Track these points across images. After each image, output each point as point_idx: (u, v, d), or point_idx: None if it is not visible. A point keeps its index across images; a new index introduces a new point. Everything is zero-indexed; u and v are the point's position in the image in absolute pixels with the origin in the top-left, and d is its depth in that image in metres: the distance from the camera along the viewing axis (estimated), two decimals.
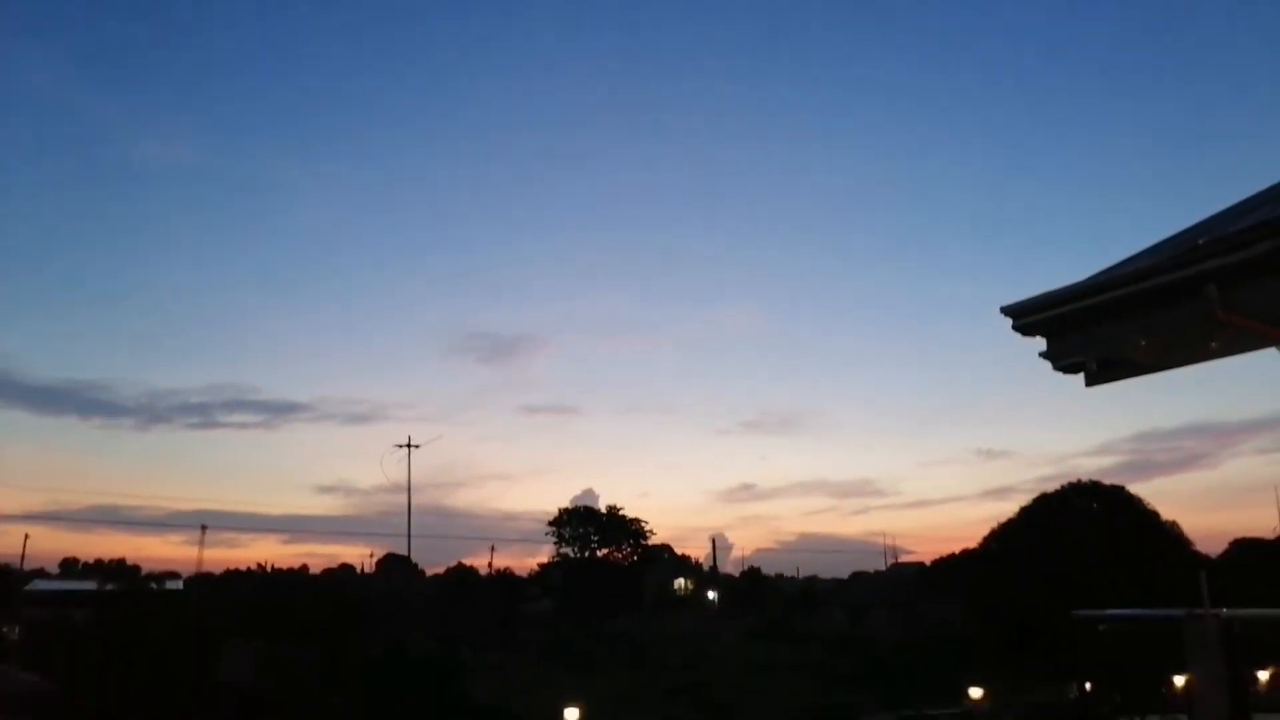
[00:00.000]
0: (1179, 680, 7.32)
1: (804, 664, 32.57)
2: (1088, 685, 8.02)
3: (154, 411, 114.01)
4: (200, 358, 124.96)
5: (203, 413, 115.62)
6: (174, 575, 65.24)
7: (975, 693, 17.76)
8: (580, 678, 24.78)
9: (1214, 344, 6.82)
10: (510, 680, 25.00)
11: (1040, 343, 7.32)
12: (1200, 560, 26.83)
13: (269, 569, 38.42)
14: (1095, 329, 6.60)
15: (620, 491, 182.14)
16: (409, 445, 48.45)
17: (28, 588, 47.43)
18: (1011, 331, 7.74)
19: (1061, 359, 7.15)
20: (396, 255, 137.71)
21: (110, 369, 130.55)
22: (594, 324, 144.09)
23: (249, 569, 38.98)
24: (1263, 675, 8.48)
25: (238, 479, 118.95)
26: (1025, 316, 6.91)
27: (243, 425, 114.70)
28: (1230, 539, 34.79)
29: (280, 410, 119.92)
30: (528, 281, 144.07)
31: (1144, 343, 6.63)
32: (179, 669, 13.80)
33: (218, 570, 60.02)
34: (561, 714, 15.18)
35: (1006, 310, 7.02)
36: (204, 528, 79.11)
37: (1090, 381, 7.51)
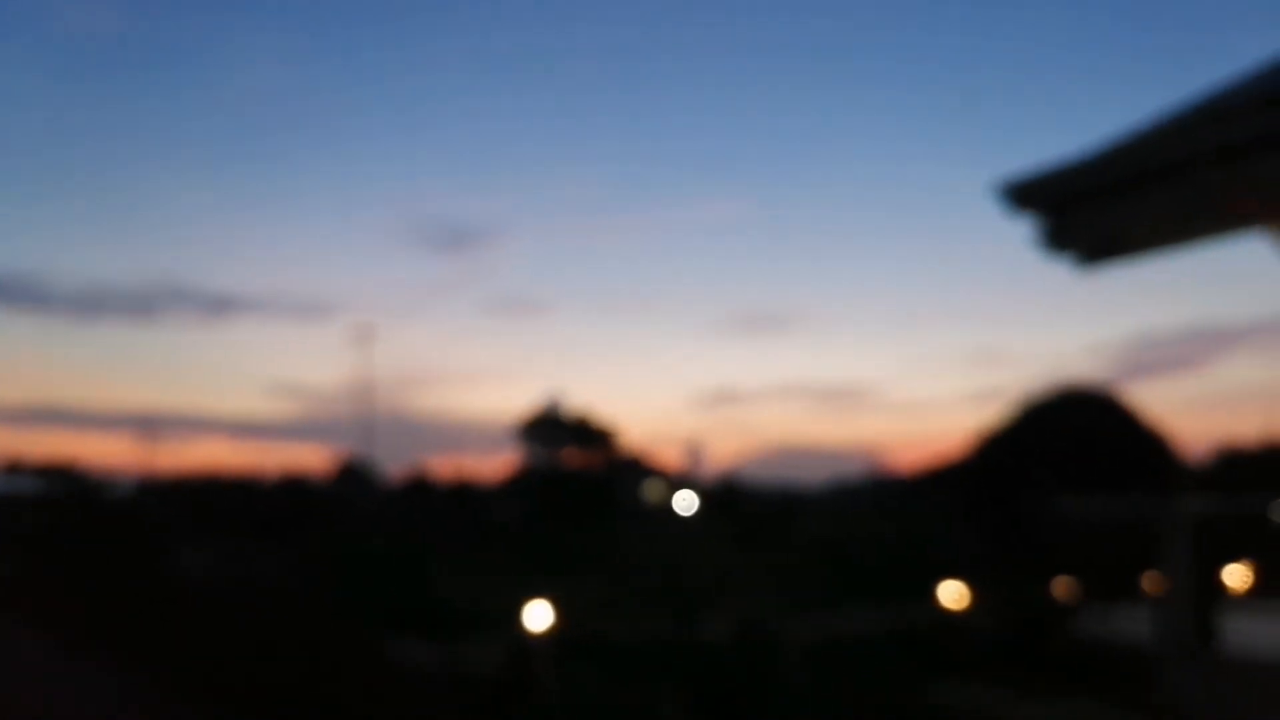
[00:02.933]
0: (1153, 575, 7.76)
1: (781, 567, 33.71)
2: (1063, 585, 8.49)
3: (88, 304, 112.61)
4: (135, 247, 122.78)
5: (141, 305, 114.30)
6: (123, 476, 65.72)
7: (953, 594, 18.55)
8: (550, 580, 25.54)
9: (1214, 225, 6.98)
10: (478, 581, 25.76)
11: (1033, 226, 7.46)
12: (1185, 464, 27.86)
13: (221, 469, 38.76)
14: (1091, 208, 6.70)
15: (592, 394, 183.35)
16: (359, 335, 48.48)
17: None
18: (1005, 220, 7.87)
19: (1055, 242, 7.29)
20: (344, 133, 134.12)
21: (39, 258, 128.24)
22: (562, 211, 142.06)
23: (200, 470, 39.35)
24: (1232, 570, 8.96)
25: (184, 376, 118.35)
26: (1018, 194, 7.00)
27: (185, 319, 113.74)
28: (1218, 444, 35.94)
29: (225, 304, 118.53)
30: (488, 163, 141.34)
31: (1142, 223, 6.76)
32: (135, 566, 14.12)
33: (169, 471, 60.66)
34: (528, 615, 15.66)
35: (998, 187, 7.11)
36: (152, 426, 79.44)
37: (1082, 268, 7.68)
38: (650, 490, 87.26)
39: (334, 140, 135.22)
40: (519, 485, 70.91)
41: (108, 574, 11.54)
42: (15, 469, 72.90)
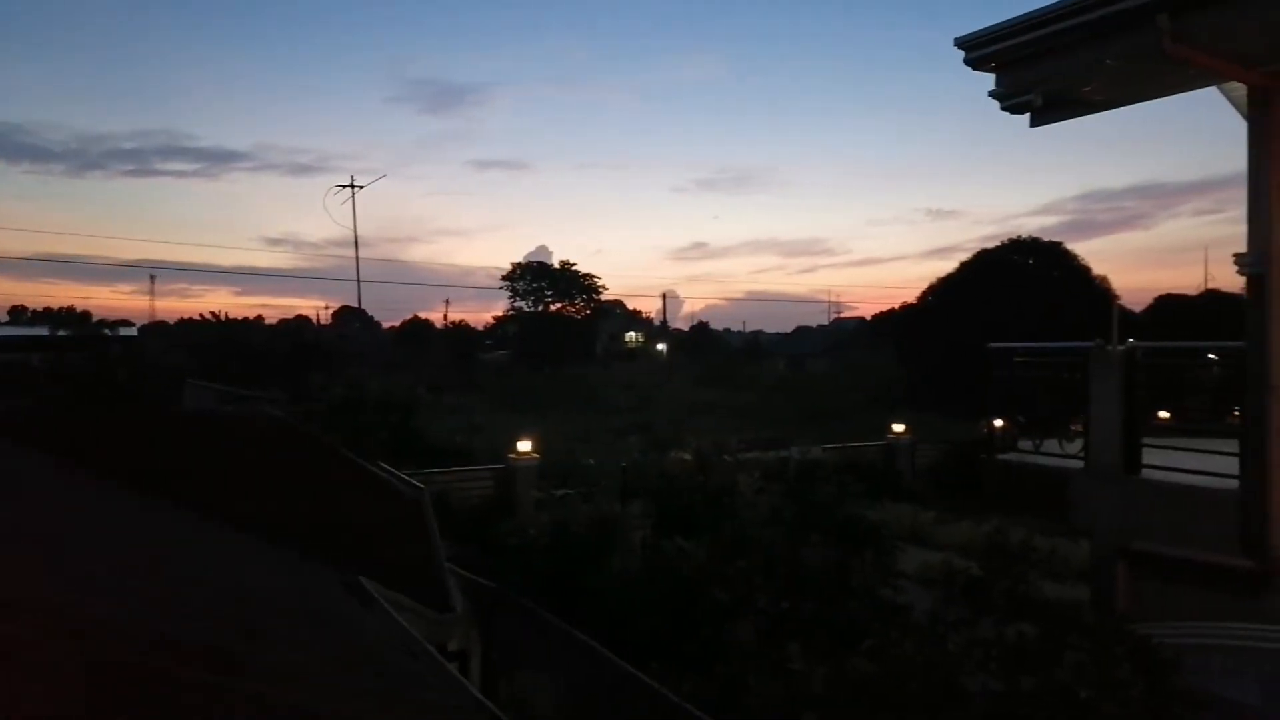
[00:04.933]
0: (1085, 412, 8.00)
1: (745, 406, 34.48)
2: (998, 421, 8.76)
3: (85, 158, 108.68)
4: (129, 101, 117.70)
5: (137, 159, 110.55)
6: (127, 323, 65.30)
7: (898, 428, 19.10)
8: (535, 419, 25.99)
9: (1161, 80, 6.84)
10: (466, 419, 26.23)
11: (991, 81, 7.26)
12: (1126, 311, 28.29)
13: (224, 318, 38.51)
14: (1045, 62, 6.55)
15: (574, 248, 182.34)
16: (352, 186, 47.30)
17: None
18: (963, 81, 7.65)
19: (1011, 95, 7.12)
20: None
21: (34, 111, 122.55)
22: (546, 71, 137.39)
23: (203, 317, 39.05)
24: (1163, 414, 9.22)
25: (181, 229, 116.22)
26: (977, 48, 6.81)
27: (180, 173, 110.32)
28: (1159, 294, 36.40)
29: (219, 159, 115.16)
30: (475, 24, 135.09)
31: (1093, 77, 6.62)
32: (144, 403, 14.20)
33: (171, 319, 60.29)
34: (514, 447, 16.02)
35: (959, 42, 6.89)
36: (153, 276, 78.28)
37: (1036, 122, 7.54)
38: (626, 335, 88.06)
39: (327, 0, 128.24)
40: (505, 331, 71.41)
41: (117, 410, 11.62)
42: (22, 315, 72.19)
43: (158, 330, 52.41)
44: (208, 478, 6.48)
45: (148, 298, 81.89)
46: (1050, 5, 6.19)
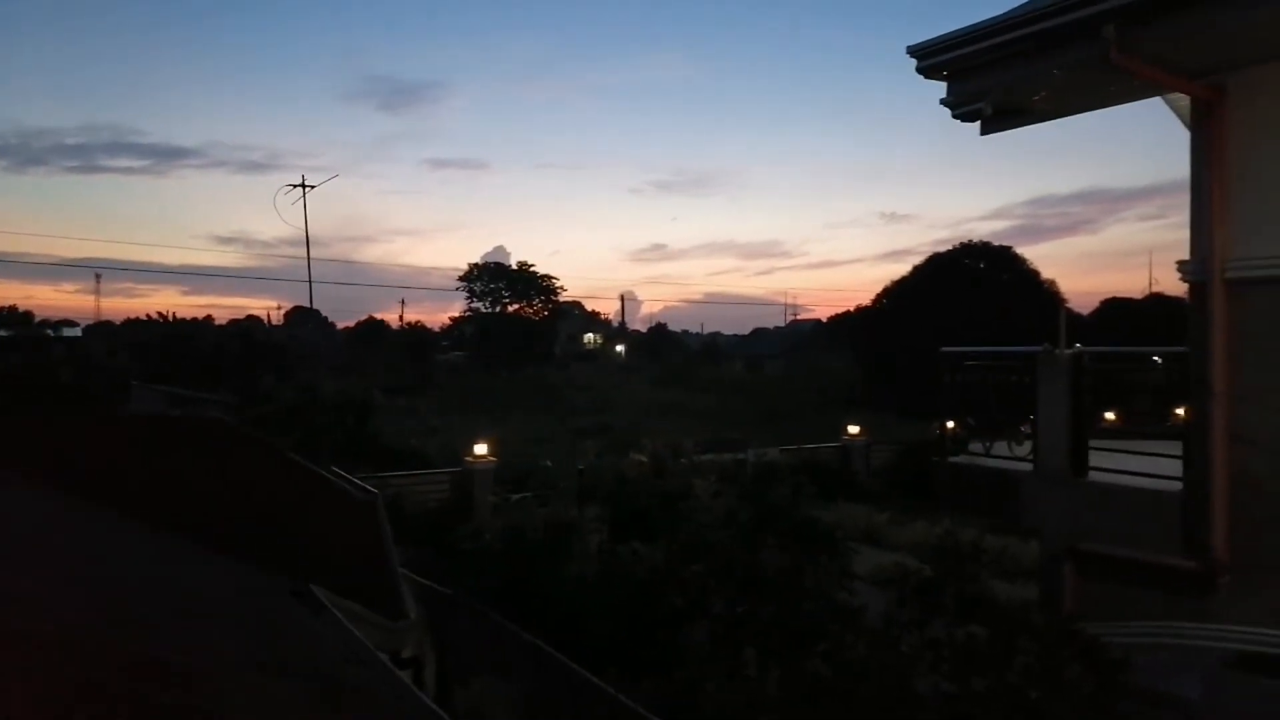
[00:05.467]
0: (1034, 415, 8.14)
1: (702, 407, 34.59)
2: (950, 424, 8.88)
3: (28, 153, 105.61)
4: (74, 96, 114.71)
5: (82, 155, 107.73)
6: (71, 323, 63.61)
7: (852, 430, 19.30)
8: (492, 421, 25.80)
9: (1108, 90, 6.99)
10: (422, 421, 25.95)
11: (943, 89, 7.36)
12: (1073, 314, 28.90)
13: (172, 318, 37.66)
14: (995, 71, 6.65)
15: (532, 249, 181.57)
16: (304, 185, 46.46)
17: None
18: (917, 87, 7.74)
19: (961, 104, 7.22)
20: None
21: None
22: (504, 70, 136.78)
23: (150, 317, 38.15)
24: (1109, 415, 9.41)
25: (128, 227, 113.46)
26: (929, 57, 6.89)
27: (127, 170, 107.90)
28: (1102, 299, 37.25)
29: (167, 155, 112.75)
30: (432, 21, 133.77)
31: (1042, 86, 6.74)
32: (88, 406, 13.79)
33: (117, 320, 58.82)
34: (471, 450, 15.88)
35: (911, 50, 6.97)
36: (98, 275, 76.31)
37: (986, 129, 7.65)
38: (585, 337, 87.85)
39: None
40: (462, 332, 70.78)
41: (59, 413, 11.27)
42: None
43: (103, 331, 51.10)
44: (152, 483, 6.32)
45: (93, 297, 79.84)
46: (1000, 16, 6.29)
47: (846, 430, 19.25)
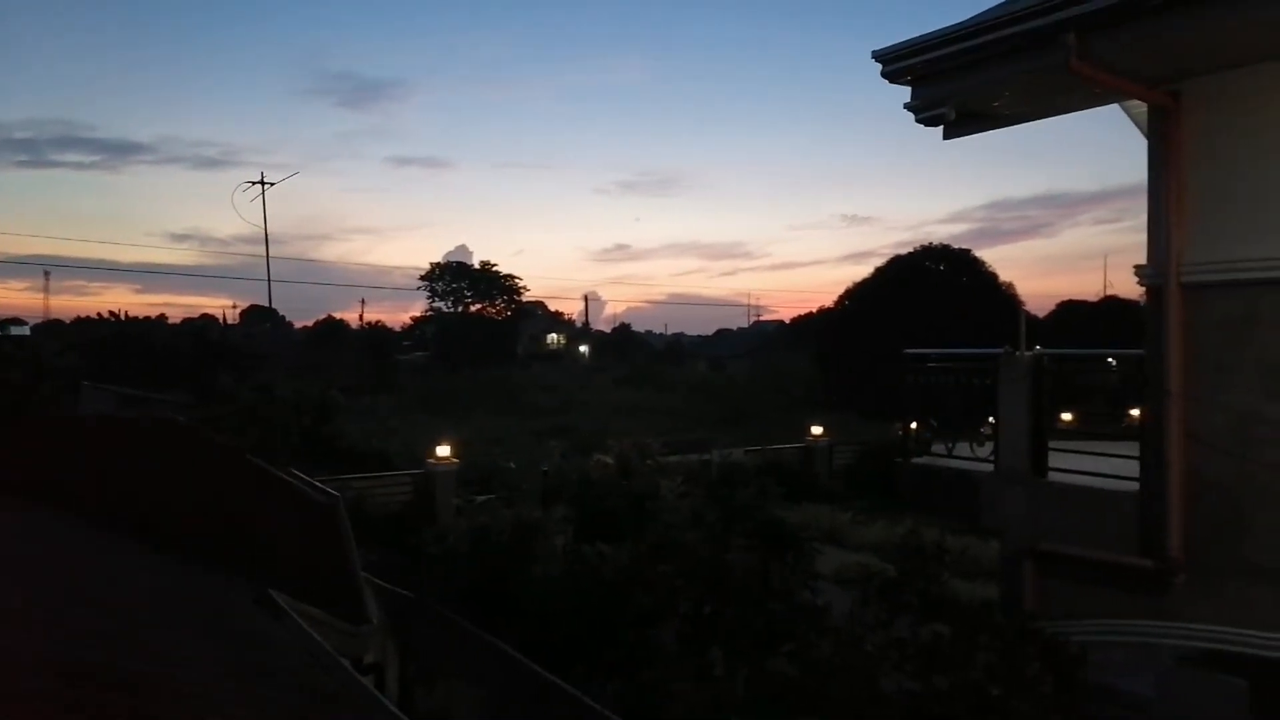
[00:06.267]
0: (994, 416, 8.27)
1: (667, 408, 34.65)
2: (912, 424, 8.99)
3: None
4: (21, 89, 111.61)
5: (31, 150, 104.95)
6: (19, 321, 61.94)
7: (816, 430, 19.46)
8: (453, 421, 25.61)
9: (1067, 97, 7.12)
10: (383, 422, 25.68)
11: (907, 93, 7.44)
12: (1031, 316, 29.34)
13: (124, 316, 36.84)
14: (958, 77, 6.74)
15: (494, 248, 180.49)
16: (262, 183, 45.74)
17: None
18: (879, 91, 7.82)
19: (925, 109, 7.31)
20: None
21: None
22: (467, 69, 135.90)
23: (101, 316, 37.27)
24: (1066, 416, 9.59)
25: (79, 224, 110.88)
26: (894, 62, 6.97)
27: (78, 165, 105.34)
28: (1059, 301, 37.97)
29: (120, 150, 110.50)
30: (394, 18, 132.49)
31: (1004, 92, 6.84)
32: (38, 408, 13.47)
33: (67, 318, 57.44)
34: (433, 452, 15.75)
35: (877, 55, 7.04)
36: (48, 273, 74.45)
37: (949, 134, 7.75)
38: (548, 337, 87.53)
39: None
40: (424, 332, 70.11)
41: (7, 414, 11.00)
42: None
43: (52, 329, 49.88)
44: (106, 487, 6.18)
45: (41, 295, 77.86)
46: (963, 23, 6.38)
47: (810, 431, 19.41)
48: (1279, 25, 5.48)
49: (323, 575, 5.84)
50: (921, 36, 6.67)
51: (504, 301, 69.71)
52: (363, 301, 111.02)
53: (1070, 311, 35.71)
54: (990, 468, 8.00)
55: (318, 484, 7.34)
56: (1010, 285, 34.88)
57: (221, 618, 4.54)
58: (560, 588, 7.83)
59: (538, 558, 8.82)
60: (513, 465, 16.35)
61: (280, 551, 6.00)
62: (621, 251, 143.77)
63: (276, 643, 4.24)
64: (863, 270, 47.59)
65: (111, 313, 36.42)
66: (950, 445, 8.87)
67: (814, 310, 50.42)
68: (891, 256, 36.83)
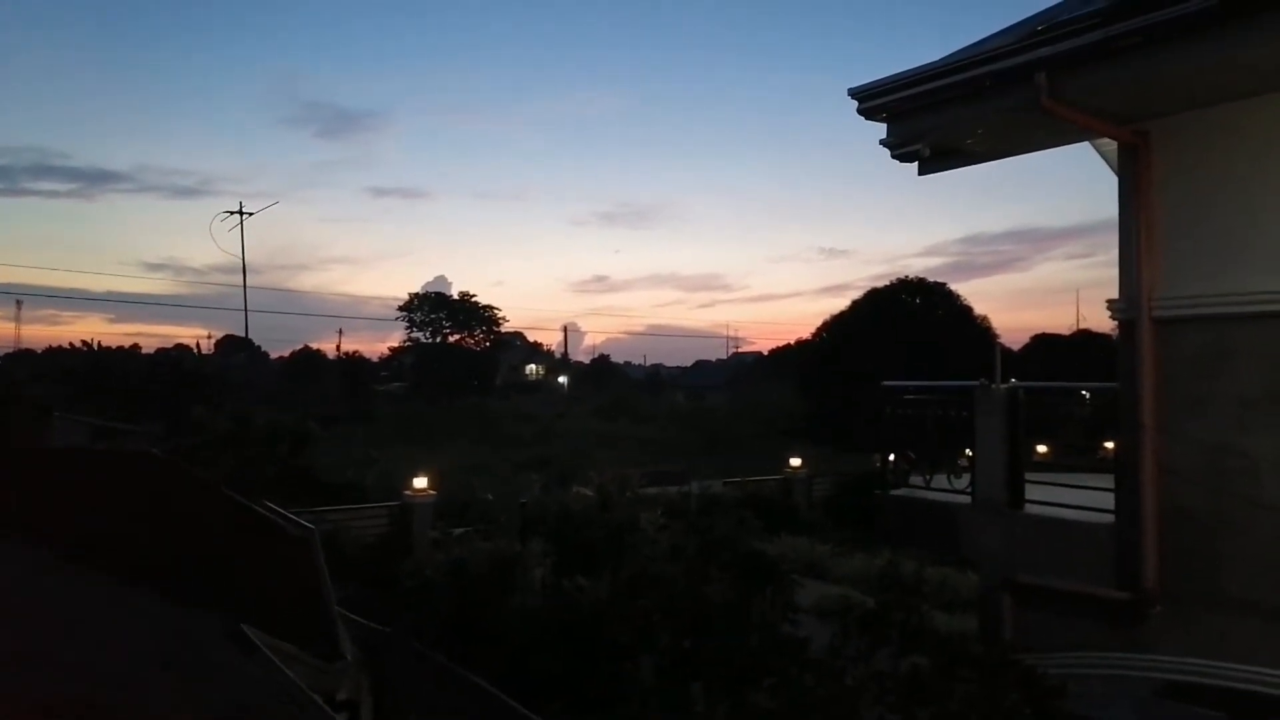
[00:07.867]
0: (971, 448, 8.33)
1: (646, 438, 34.61)
2: (890, 456, 9.04)
3: None
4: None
5: (4, 178, 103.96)
6: None
7: (795, 462, 19.48)
8: (431, 452, 25.43)
9: (1039, 135, 7.26)
10: (360, 453, 25.46)
11: (883, 130, 7.57)
12: (1005, 349, 29.69)
13: (97, 346, 36.35)
14: (932, 114, 6.87)
15: (473, 279, 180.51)
16: (240, 213, 45.52)
17: None
18: (856, 127, 7.94)
19: (900, 145, 7.43)
20: (225, 8, 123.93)
21: None
22: (446, 99, 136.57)
23: (74, 345, 36.76)
24: (1042, 448, 9.67)
25: (52, 252, 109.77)
26: (870, 99, 7.09)
27: (52, 194, 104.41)
28: (1032, 334, 38.43)
29: (95, 179, 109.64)
30: (372, 48, 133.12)
31: (977, 129, 6.98)
32: (8, 439, 13.23)
33: (38, 348, 56.71)
34: (410, 483, 15.61)
35: (853, 92, 7.16)
36: (19, 301, 73.59)
37: (923, 170, 7.88)
38: (527, 368, 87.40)
39: (214, 15, 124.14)
40: (402, 363, 69.81)
41: None
42: None
43: (23, 359, 49.22)
44: (75, 520, 6.07)
45: (13, 324, 76.87)
46: (938, 61, 6.52)
47: (789, 463, 19.42)
48: (1240, 67, 5.64)
49: (296, 610, 5.75)
50: (896, 75, 6.80)
51: (483, 332, 69.63)
52: (340, 332, 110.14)
53: (1044, 344, 36.14)
54: (968, 499, 8.04)
55: (291, 516, 7.25)
56: (985, 318, 35.33)
57: (192, 652, 4.46)
58: (538, 621, 7.75)
59: (516, 591, 8.73)
60: (490, 497, 16.22)
61: (254, 585, 5.91)
62: (600, 283, 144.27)
63: (248, 678, 4.16)
64: (840, 303, 48.00)
65: (84, 342, 35.90)
66: (928, 477, 8.91)
67: (792, 342, 50.73)
68: (868, 289, 37.22)
